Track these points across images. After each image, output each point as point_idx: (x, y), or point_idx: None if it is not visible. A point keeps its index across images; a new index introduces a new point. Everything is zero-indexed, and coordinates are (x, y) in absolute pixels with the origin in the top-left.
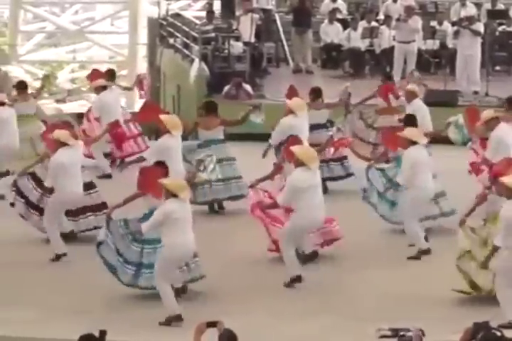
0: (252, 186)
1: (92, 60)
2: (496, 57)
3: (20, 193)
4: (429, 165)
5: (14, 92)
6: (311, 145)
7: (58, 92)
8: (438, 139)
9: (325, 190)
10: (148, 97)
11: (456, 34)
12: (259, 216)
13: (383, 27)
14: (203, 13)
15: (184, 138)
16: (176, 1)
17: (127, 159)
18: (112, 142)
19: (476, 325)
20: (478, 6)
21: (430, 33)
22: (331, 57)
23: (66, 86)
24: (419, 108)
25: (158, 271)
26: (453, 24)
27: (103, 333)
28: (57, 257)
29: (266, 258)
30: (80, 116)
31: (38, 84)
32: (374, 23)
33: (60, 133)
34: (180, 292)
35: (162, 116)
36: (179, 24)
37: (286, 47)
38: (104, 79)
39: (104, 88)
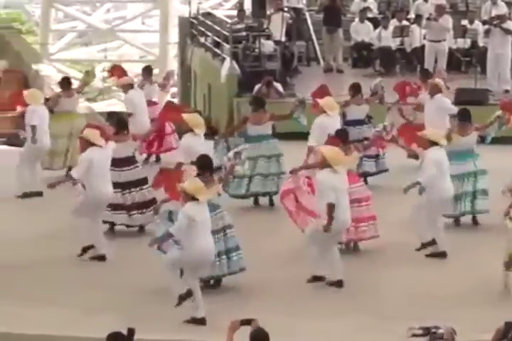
0: (292, 172)
1: (122, 59)
2: None
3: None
4: (448, 167)
5: (50, 90)
6: (353, 141)
7: (89, 91)
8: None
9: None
10: (175, 94)
11: (487, 33)
12: (286, 205)
13: (414, 26)
14: (234, 12)
15: (231, 133)
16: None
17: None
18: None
19: (507, 325)
20: (509, 4)
21: (461, 31)
22: (362, 56)
23: (97, 85)
24: (442, 103)
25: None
26: (484, 23)
27: (131, 331)
28: (96, 257)
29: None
30: (110, 115)
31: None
32: (405, 22)
33: (90, 133)
34: (213, 286)
35: (184, 115)
36: (210, 23)
37: (316, 46)
38: (125, 76)
39: (131, 86)
